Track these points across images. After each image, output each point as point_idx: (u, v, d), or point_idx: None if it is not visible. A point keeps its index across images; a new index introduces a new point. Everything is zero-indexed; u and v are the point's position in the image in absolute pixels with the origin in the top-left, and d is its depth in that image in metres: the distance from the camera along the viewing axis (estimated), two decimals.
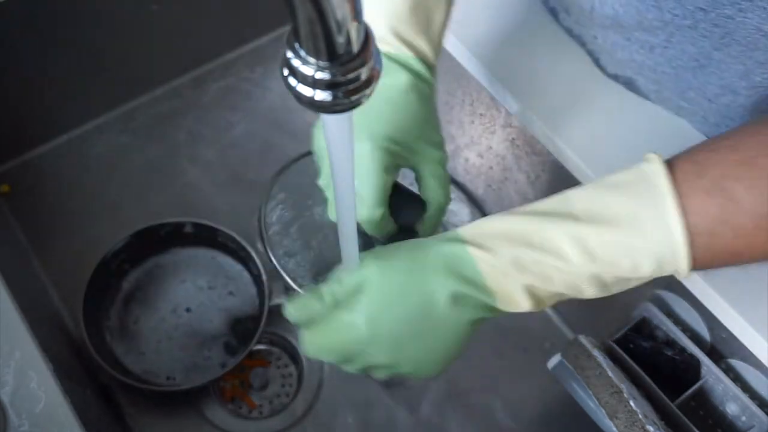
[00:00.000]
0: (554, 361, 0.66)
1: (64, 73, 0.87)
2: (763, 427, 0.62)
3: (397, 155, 0.54)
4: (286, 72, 0.35)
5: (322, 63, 0.33)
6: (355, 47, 0.33)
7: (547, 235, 0.45)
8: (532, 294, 0.47)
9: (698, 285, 0.63)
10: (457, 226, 0.50)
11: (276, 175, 0.63)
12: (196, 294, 0.85)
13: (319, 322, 0.49)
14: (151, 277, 0.85)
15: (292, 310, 0.51)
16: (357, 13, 0.32)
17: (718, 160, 0.45)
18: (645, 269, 0.45)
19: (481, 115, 0.80)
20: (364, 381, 0.82)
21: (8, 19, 0.79)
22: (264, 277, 0.81)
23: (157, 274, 0.85)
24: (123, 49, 0.90)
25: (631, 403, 0.60)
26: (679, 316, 0.69)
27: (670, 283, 0.67)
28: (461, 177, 0.90)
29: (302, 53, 0.33)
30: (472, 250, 0.46)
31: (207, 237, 0.85)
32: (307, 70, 0.34)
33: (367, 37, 0.34)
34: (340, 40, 0.32)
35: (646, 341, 0.67)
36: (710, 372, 0.65)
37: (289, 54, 0.34)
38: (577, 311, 0.84)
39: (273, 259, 0.60)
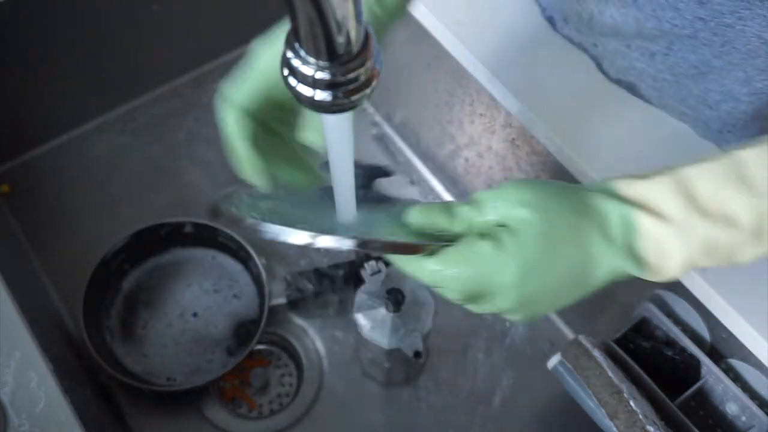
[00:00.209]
0: (554, 360, 0.66)
1: (64, 73, 0.87)
2: (763, 427, 0.62)
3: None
4: (286, 72, 0.35)
5: (322, 63, 0.33)
6: (355, 47, 0.33)
7: (725, 206, 0.42)
8: (687, 266, 0.44)
9: (698, 285, 0.63)
10: None
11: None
12: (202, 298, 0.85)
13: (447, 247, 0.43)
14: (154, 278, 0.85)
15: (416, 212, 0.44)
16: (357, 13, 0.32)
17: None
18: None
19: (481, 115, 0.80)
20: (364, 381, 0.82)
21: (8, 19, 0.79)
22: (264, 277, 0.81)
23: (159, 274, 0.85)
24: (123, 49, 0.90)
25: (631, 403, 0.60)
26: (679, 316, 0.68)
27: (670, 283, 0.67)
28: (461, 177, 0.90)
29: (302, 53, 0.33)
30: (643, 219, 0.42)
31: (207, 237, 0.85)
32: (307, 70, 0.34)
33: (367, 37, 0.34)
34: (340, 40, 0.32)
35: (646, 341, 0.67)
36: (710, 372, 0.65)
37: (289, 54, 0.34)
38: (577, 311, 0.84)
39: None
